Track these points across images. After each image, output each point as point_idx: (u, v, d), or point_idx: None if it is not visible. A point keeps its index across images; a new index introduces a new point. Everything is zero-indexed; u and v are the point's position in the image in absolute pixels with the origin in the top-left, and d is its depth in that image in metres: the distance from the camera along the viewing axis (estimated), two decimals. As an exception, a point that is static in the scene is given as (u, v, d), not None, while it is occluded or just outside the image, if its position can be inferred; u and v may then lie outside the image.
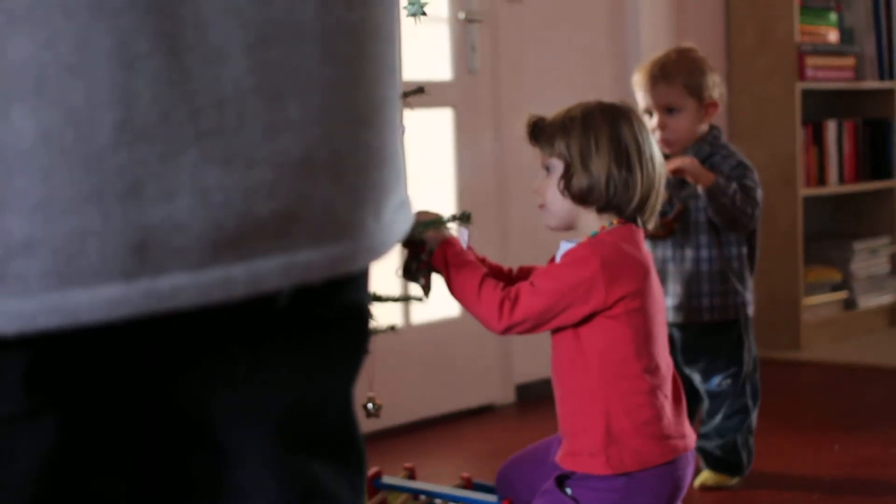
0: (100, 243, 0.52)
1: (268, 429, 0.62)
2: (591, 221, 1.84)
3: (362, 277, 0.66)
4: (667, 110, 2.52)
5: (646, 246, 1.88)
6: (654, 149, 1.86)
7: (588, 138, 1.81)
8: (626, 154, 1.80)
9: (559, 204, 1.84)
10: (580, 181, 1.81)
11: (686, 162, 2.46)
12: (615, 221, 1.83)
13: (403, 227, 0.66)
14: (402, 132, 2.32)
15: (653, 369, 1.80)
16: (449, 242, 1.84)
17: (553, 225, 1.89)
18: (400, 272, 1.88)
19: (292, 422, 0.63)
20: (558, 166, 1.84)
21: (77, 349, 0.55)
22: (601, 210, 1.83)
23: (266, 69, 0.55)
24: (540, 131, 1.87)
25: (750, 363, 2.59)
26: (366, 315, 0.68)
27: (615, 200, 1.81)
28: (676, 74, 2.51)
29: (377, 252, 0.62)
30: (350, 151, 0.60)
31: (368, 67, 0.61)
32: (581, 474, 1.80)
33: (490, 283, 1.80)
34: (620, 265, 1.77)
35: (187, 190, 0.53)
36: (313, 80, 0.57)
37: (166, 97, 0.52)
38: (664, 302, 1.92)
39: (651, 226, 1.87)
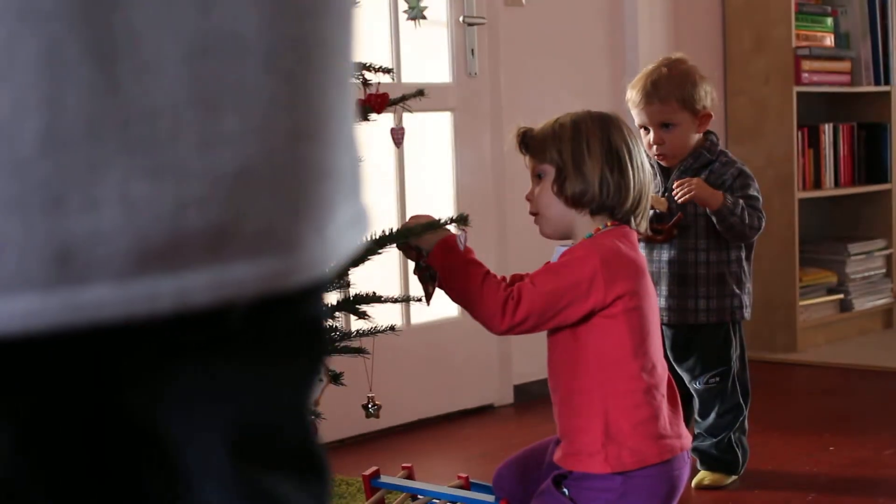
0: (19, 253, 0.50)
1: (224, 445, 0.61)
2: (585, 224, 1.86)
3: (316, 290, 0.65)
4: (662, 126, 2.55)
5: (641, 248, 1.90)
6: (643, 155, 1.89)
7: (580, 142, 1.83)
8: (618, 157, 1.83)
9: (554, 209, 1.86)
10: (574, 184, 1.83)
11: (693, 189, 2.48)
12: (609, 223, 1.85)
13: (356, 241, 0.65)
14: (402, 134, 2.34)
15: (649, 369, 1.82)
16: (446, 243, 1.83)
17: (548, 232, 1.91)
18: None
19: (249, 437, 0.62)
20: (550, 172, 1.85)
21: (23, 360, 0.54)
22: (594, 213, 1.85)
23: (203, 81, 0.54)
24: (530, 140, 1.89)
25: (737, 362, 2.61)
26: (320, 328, 0.66)
27: (609, 202, 1.83)
28: (669, 90, 2.53)
29: (318, 267, 0.61)
30: (291, 165, 0.58)
31: (314, 80, 0.59)
32: (578, 474, 1.81)
33: (492, 282, 1.80)
34: (618, 264, 1.80)
35: (113, 201, 0.52)
36: (253, 93, 0.56)
37: (94, 106, 0.51)
38: (657, 303, 1.94)
39: (644, 227, 1.90)
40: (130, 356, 0.58)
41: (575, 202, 1.84)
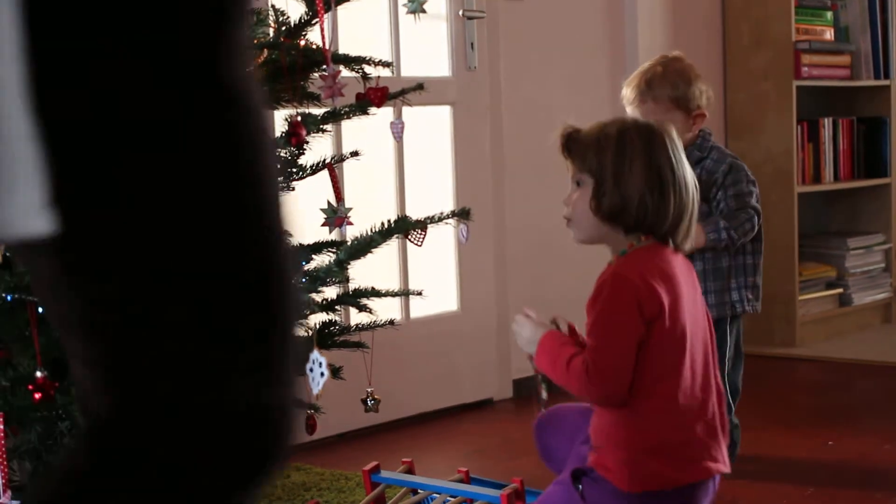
0: None
1: None
2: (619, 239, 1.82)
3: None
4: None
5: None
6: (688, 171, 1.83)
7: (622, 157, 1.78)
8: (660, 177, 1.77)
9: (588, 221, 1.82)
10: (612, 201, 1.78)
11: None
12: (643, 238, 1.81)
13: (41, 226, 0.74)
14: (401, 128, 2.33)
15: (685, 389, 1.77)
16: (541, 345, 1.86)
17: (580, 239, 1.87)
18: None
19: None
20: (589, 182, 1.81)
21: None
22: (630, 231, 1.82)
23: None
24: (573, 143, 1.84)
25: (728, 362, 2.59)
26: None
27: (646, 223, 1.79)
28: (663, 89, 2.54)
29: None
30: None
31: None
32: (598, 475, 1.79)
33: (573, 365, 1.79)
34: (649, 291, 1.74)
35: None
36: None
37: None
38: (702, 316, 1.86)
39: (688, 247, 1.84)
40: None
41: (611, 218, 1.80)
